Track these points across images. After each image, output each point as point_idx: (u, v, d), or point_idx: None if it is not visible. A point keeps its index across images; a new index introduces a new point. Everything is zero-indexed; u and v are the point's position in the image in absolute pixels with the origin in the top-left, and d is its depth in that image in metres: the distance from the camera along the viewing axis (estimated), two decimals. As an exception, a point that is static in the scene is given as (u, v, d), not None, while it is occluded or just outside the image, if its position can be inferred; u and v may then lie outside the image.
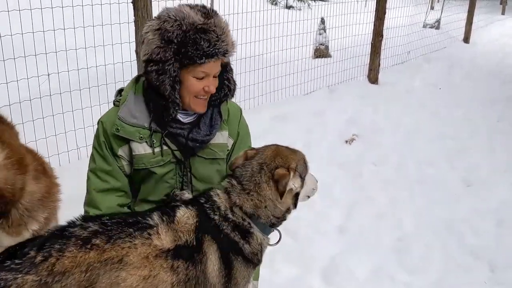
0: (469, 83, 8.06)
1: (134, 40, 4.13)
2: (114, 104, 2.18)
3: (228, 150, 2.27)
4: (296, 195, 2.01)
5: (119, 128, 2.05)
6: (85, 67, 4.42)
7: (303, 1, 12.76)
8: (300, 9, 11.42)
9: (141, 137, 2.06)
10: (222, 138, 2.21)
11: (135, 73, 4.29)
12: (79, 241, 1.64)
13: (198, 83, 2.02)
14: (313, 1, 12.76)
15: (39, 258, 1.58)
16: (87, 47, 4.36)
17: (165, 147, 2.09)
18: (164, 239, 1.75)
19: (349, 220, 3.94)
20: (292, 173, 1.93)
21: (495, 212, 4.20)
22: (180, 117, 2.12)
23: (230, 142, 2.28)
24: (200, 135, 2.10)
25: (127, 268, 1.65)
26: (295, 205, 2.04)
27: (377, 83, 7.43)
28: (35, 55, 4.10)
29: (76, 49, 4.39)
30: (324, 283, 3.23)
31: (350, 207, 4.12)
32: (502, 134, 5.91)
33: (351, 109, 6.25)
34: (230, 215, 1.90)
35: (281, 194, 1.90)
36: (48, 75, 4.27)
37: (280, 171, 1.92)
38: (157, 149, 2.07)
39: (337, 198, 4.24)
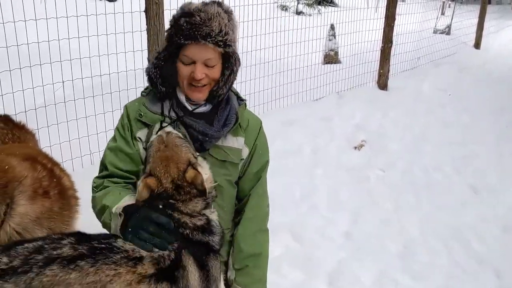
0: (478, 89, 8.06)
1: (147, 48, 4.22)
2: (141, 94, 2.25)
3: (242, 159, 2.26)
4: None
5: (142, 114, 2.13)
6: (98, 74, 4.52)
7: (313, 7, 12.81)
8: (310, 15, 11.47)
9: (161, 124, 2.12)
10: (237, 143, 2.21)
11: (146, 80, 4.40)
12: (64, 261, 1.61)
13: (185, 68, 2.05)
14: (323, 7, 12.81)
15: (21, 269, 1.57)
16: (101, 54, 4.47)
17: None
18: (147, 266, 1.72)
19: (355, 226, 3.99)
20: (198, 168, 1.92)
21: (502, 219, 4.23)
22: (187, 104, 2.15)
23: (246, 152, 2.26)
24: (211, 130, 2.12)
25: None
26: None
27: (386, 89, 7.47)
28: (51, 63, 4.21)
29: (90, 57, 4.50)
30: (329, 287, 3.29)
31: (357, 212, 4.17)
32: (511, 140, 5.92)
33: (359, 114, 6.30)
34: (197, 222, 1.90)
35: (205, 192, 1.91)
36: (63, 82, 4.38)
37: (189, 175, 1.90)
38: None
39: (343, 203, 4.29)
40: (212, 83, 2.11)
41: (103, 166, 2.15)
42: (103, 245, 1.71)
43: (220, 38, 2.00)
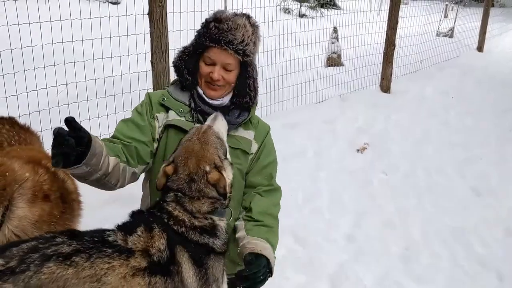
0: (481, 92, 8.06)
1: (150, 50, 4.24)
2: (164, 88, 2.44)
3: (252, 153, 2.40)
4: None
5: (165, 98, 2.31)
6: (102, 77, 4.54)
7: (316, 10, 12.83)
8: (313, 18, 11.49)
9: (181, 111, 2.30)
10: (248, 135, 2.39)
11: (150, 83, 4.42)
12: (60, 258, 1.65)
13: (206, 67, 2.25)
14: (326, 10, 12.83)
15: (18, 269, 1.59)
16: (105, 57, 4.49)
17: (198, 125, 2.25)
18: (139, 259, 1.75)
19: (358, 228, 3.99)
20: (223, 172, 1.94)
21: (504, 221, 4.23)
22: (206, 97, 2.32)
23: (255, 147, 2.41)
24: (228, 117, 2.29)
25: None
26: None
27: (389, 92, 7.48)
28: (54, 65, 4.23)
29: (93, 59, 4.52)
30: (332, 290, 3.29)
31: (359, 215, 4.17)
32: (513, 143, 5.92)
33: (362, 117, 6.31)
34: (196, 223, 1.91)
35: (225, 196, 1.93)
36: (67, 84, 4.40)
37: (213, 176, 1.92)
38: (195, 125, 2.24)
39: (346, 206, 4.30)
40: (227, 86, 2.30)
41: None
42: (95, 239, 1.74)
43: (241, 47, 2.21)
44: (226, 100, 2.36)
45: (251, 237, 2.19)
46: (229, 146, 2.25)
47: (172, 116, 2.29)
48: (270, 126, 2.53)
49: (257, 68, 2.39)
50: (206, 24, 2.25)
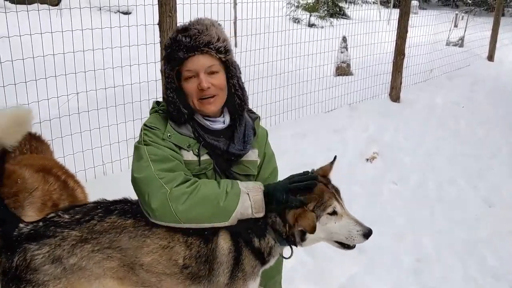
0: (492, 102, 7.99)
1: (160, 60, 4.26)
2: (157, 112, 2.21)
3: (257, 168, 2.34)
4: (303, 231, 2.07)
5: (171, 135, 2.10)
6: (112, 86, 4.57)
7: (326, 20, 12.85)
8: (322, 27, 11.51)
9: (189, 145, 2.12)
10: (254, 155, 2.28)
11: (159, 92, 4.43)
12: (121, 212, 1.97)
13: (191, 84, 2.08)
14: (335, 20, 12.85)
15: (83, 219, 1.92)
16: (115, 66, 4.51)
17: (207, 157, 2.15)
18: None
19: (368, 239, 3.94)
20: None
21: (517, 234, 4.16)
22: (208, 123, 2.17)
23: (259, 162, 2.34)
24: (235, 149, 2.16)
25: (152, 237, 1.94)
26: (301, 237, 2.11)
27: (399, 101, 7.45)
28: (65, 74, 4.27)
29: (104, 69, 4.55)
30: (342, 301, 3.25)
31: (370, 225, 4.11)
32: (526, 153, 5.85)
33: (372, 127, 6.27)
34: (269, 242, 2.10)
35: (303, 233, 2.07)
36: (77, 93, 4.42)
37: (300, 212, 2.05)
38: (203, 158, 2.14)
39: (356, 216, 4.24)
40: (221, 93, 2.14)
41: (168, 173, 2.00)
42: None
43: (221, 45, 2.08)
44: (227, 119, 2.23)
45: None
46: (239, 174, 2.22)
47: (183, 153, 2.12)
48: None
49: (239, 66, 2.24)
50: (172, 40, 2.08)
